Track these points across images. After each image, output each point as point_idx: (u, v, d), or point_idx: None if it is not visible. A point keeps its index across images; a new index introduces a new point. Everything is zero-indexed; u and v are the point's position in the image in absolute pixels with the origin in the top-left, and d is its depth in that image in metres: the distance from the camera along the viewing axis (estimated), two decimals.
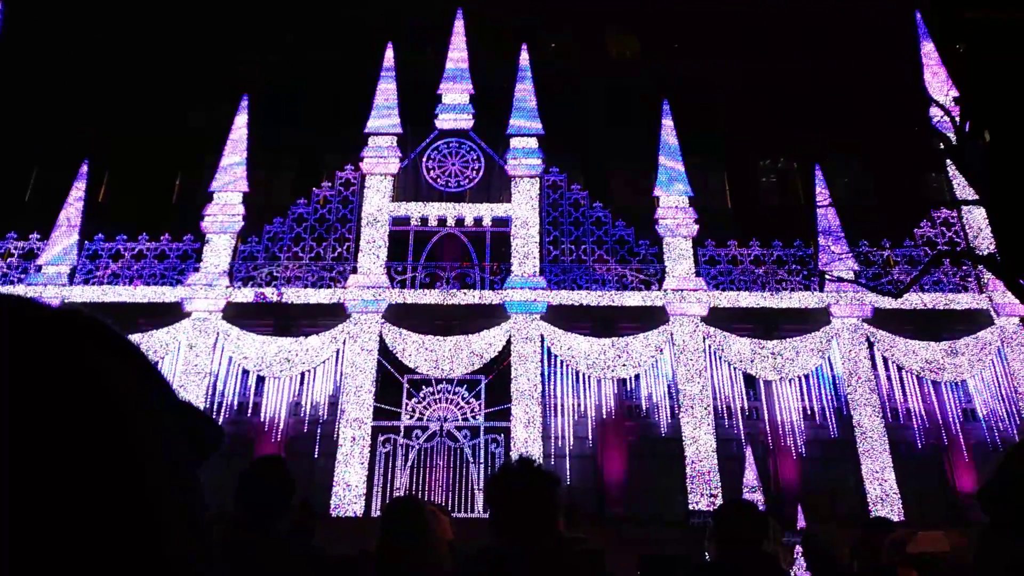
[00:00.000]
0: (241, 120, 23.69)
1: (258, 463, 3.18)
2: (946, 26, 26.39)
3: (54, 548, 0.35)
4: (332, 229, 22.28)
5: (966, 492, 20.16)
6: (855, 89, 24.16)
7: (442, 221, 22.44)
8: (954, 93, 22.42)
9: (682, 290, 21.29)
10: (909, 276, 18.91)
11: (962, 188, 21.96)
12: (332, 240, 22.11)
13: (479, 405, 20.26)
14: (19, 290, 20.76)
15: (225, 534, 2.77)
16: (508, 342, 20.70)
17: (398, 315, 21.08)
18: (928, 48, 25.28)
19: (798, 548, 13.79)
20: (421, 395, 20.37)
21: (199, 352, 20.32)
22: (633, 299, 21.24)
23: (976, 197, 15.49)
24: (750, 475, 17.88)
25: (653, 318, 21.15)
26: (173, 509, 0.41)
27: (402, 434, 20.04)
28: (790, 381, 20.56)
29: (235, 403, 20.36)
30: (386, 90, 24.34)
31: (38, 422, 0.37)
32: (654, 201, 22.74)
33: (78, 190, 22.68)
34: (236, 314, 20.91)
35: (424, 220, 22.49)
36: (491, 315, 21.09)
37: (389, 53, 25.05)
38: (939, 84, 23.78)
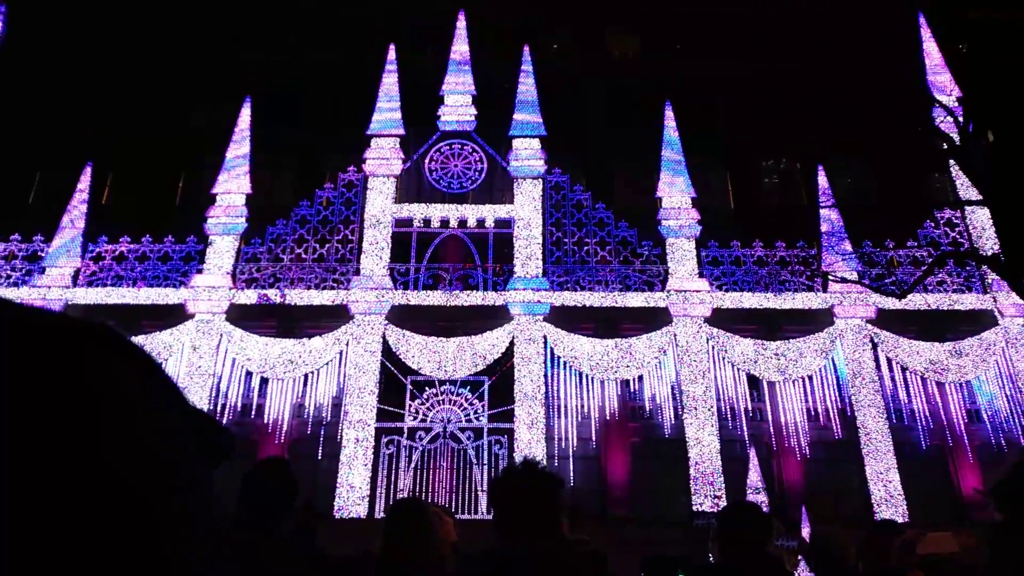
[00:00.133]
0: (244, 121, 23.73)
1: (261, 464, 3.18)
2: (948, 26, 26.35)
3: (53, 549, 0.35)
4: (335, 230, 22.30)
5: (970, 493, 20.11)
6: (857, 89, 24.16)
7: (445, 222, 22.45)
8: (957, 93, 22.41)
9: (685, 291, 21.27)
10: (913, 277, 18.87)
11: (966, 188, 21.93)
12: (335, 241, 22.13)
13: (482, 406, 20.26)
14: (23, 292, 20.81)
15: (228, 535, 2.77)
16: (511, 343, 20.69)
17: (401, 316, 21.09)
18: (931, 48, 25.23)
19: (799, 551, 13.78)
20: (424, 396, 20.37)
21: (202, 354, 20.34)
22: (636, 300, 21.22)
23: (980, 197, 15.46)
24: (754, 476, 17.85)
25: (656, 319, 21.13)
26: (175, 511, 0.41)
27: (405, 435, 20.04)
28: (794, 382, 20.53)
29: (238, 405, 20.38)
30: (388, 91, 24.36)
31: (37, 426, 0.37)
32: (657, 202, 22.73)
33: (81, 192, 22.73)
34: (239, 316, 20.94)
35: (427, 221, 22.50)
36: (494, 316, 21.09)
37: (391, 54, 25.07)
38: (942, 84, 23.74)
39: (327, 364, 20.52)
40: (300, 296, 21.12)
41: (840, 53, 25.49)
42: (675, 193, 22.71)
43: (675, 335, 20.80)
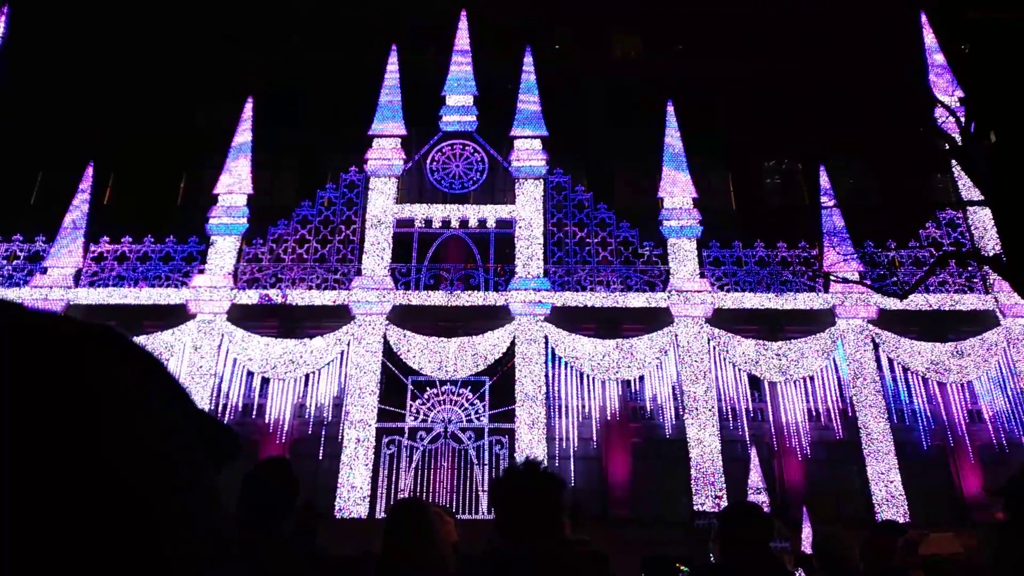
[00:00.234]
0: (245, 121, 23.75)
1: (262, 465, 3.18)
2: (950, 26, 26.33)
3: (53, 549, 0.35)
4: (336, 231, 22.31)
5: (972, 493, 20.10)
6: (859, 89, 24.15)
7: (446, 223, 22.46)
8: (959, 93, 22.39)
9: (687, 291, 21.26)
10: (914, 277, 18.87)
11: (967, 188, 21.91)
12: (336, 242, 22.14)
13: (483, 407, 20.26)
14: (25, 292, 20.83)
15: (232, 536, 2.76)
16: (512, 343, 20.69)
17: (402, 317, 21.10)
18: (932, 48, 25.21)
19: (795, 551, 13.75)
20: (425, 397, 20.37)
21: (204, 354, 20.36)
22: (637, 300, 21.21)
23: (981, 197, 15.43)
24: (755, 476, 17.84)
25: (657, 319, 21.13)
26: (176, 511, 0.42)
27: (406, 436, 20.04)
28: (795, 382, 20.52)
29: (240, 405, 20.40)
30: (390, 91, 24.38)
31: (37, 427, 0.37)
32: (658, 202, 22.72)
33: (83, 192, 22.75)
34: (241, 316, 20.95)
35: (428, 222, 22.51)
36: (495, 316, 21.09)
37: (392, 55, 25.08)
38: (944, 84, 23.73)
39: (328, 364, 20.53)
40: (301, 296, 21.13)
41: (842, 53, 25.48)
42: (676, 193, 22.71)
43: (676, 335, 20.80)
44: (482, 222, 22.47)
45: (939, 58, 24.98)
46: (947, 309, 21.03)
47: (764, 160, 26.57)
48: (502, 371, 20.48)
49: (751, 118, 25.72)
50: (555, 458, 19.29)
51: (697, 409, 19.93)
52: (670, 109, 23.99)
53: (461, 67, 24.99)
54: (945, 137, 16.09)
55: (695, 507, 18.84)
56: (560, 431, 20.03)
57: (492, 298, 21.28)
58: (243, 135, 23.52)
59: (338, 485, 19.08)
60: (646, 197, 23.24)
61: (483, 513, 18.46)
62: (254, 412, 20.38)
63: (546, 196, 22.82)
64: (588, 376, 20.51)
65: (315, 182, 23.60)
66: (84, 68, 25.81)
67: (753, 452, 18.51)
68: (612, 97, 26.79)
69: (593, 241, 22.08)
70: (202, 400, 19.48)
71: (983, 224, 21.80)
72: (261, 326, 21.05)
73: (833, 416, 20.09)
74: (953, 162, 21.64)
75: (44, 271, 21.48)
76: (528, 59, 25.14)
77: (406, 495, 18.35)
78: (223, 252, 21.79)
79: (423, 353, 20.48)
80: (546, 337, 20.79)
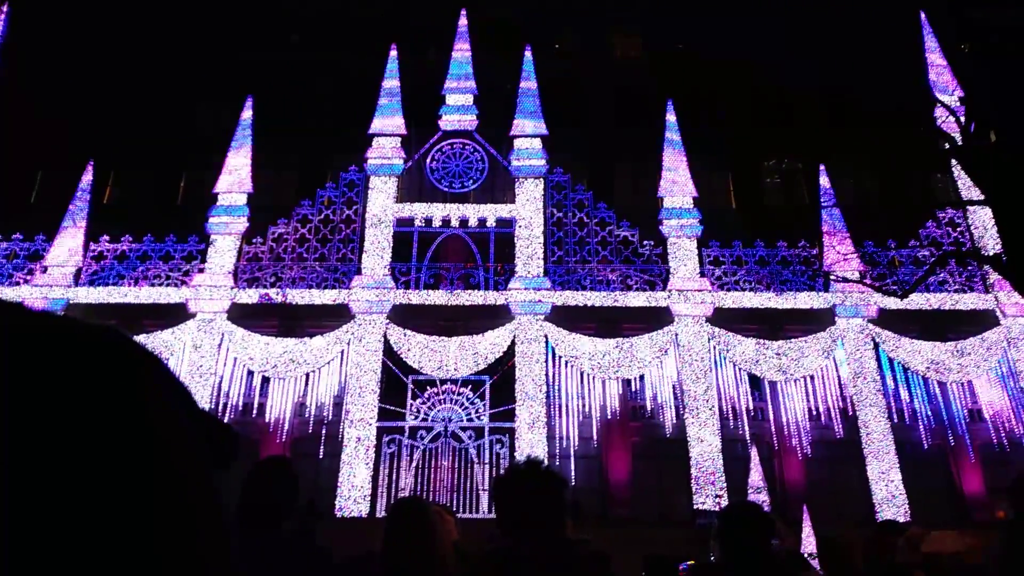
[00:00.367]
0: (246, 121, 23.75)
1: (263, 464, 3.18)
2: (951, 26, 26.32)
3: (67, 546, 0.36)
4: (336, 230, 22.31)
5: (972, 492, 20.11)
6: (860, 89, 24.11)
7: (446, 222, 22.46)
8: (959, 93, 22.38)
9: (687, 291, 21.27)
10: (914, 276, 18.86)
11: (967, 188, 21.90)
12: (336, 241, 22.14)
13: (484, 406, 20.26)
14: (25, 291, 20.83)
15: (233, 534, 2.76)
16: (512, 343, 20.69)
17: (403, 316, 21.10)
18: (933, 48, 25.20)
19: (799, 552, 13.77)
20: (426, 396, 20.38)
21: (204, 353, 20.36)
22: (638, 300, 21.21)
23: (982, 197, 15.44)
24: (755, 476, 17.83)
25: (658, 319, 21.13)
26: (186, 510, 0.42)
27: (407, 435, 20.04)
28: (795, 382, 20.53)
29: (240, 404, 20.40)
30: (390, 91, 24.37)
31: (49, 430, 0.38)
32: (658, 201, 22.72)
33: (83, 191, 22.75)
34: (241, 315, 20.95)
35: (428, 221, 22.51)
36: (495, 316, 21.09)
37: (392, 54, 25.08)
38: (944, 84, 23.72)
39: (328, 363, 20.52)
40: (301, 295, 21.13)
41: (842, 52, 25.46)
42: (677, 192, 22.71)
43: (676, 335, 20.80)
44: (482, 221, 22.47)
45: (939, 57, 24.97)
46: (947, 308, 21.03)
47: (764, 159, 26.57)
48: (502, 370, 20.49)
49: (751, 117, 25.73)
50: (555, 457, 19.30)
51: (697, 408, 19.93)
52: (670, 108, 23.99)
53: (461, 66, 24.98)
54: (945, 137, 16.09)
55: (695, 506, 18.84)
56: (560, 430, 20.03)
57: (492, 297, 21.28)
58: (243, 134, 23.51)
59: (338, 484, 19.09)
60: (646, 196, 23.24)
61: (483, 512, 18.48)
62: (254, 411, 20.38)
63: (546, 195, 22.82)
64: (588, 375, 20.51)
65: (315, 181, 23.59)
66: (84, 67, 25.80)
67: (753, 451, 18.50)
68: (612, 96, 26.79)
69: (593, 240, 22.08)
70: (202, 399, 19.48)
71: (983, 223, 21.79)
72: (261, 325, 21.05)
73: (833, 415, 20.09)
74: (953, 162, 21.64)
75: (44, 270, 21.49)
76: (528, 58, 25.14)
77: (406, 494, 18.36)
78: (223, 251, 21.79)
79: (423, 352, 20.48)
80: (546, 336, 20.79)
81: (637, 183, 24.54)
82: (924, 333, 20.94)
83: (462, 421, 20.18)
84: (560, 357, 20.68)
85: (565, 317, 21.03)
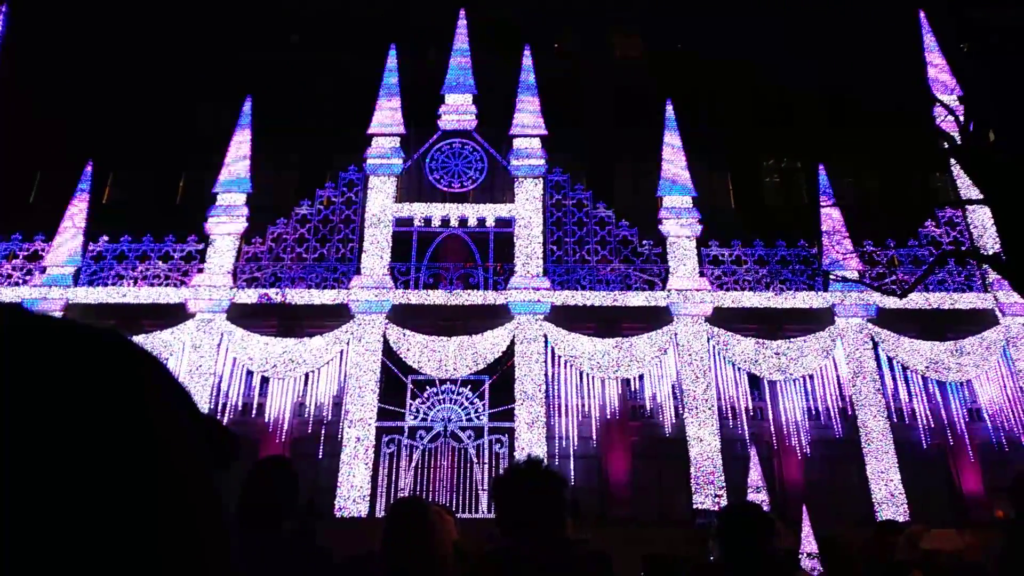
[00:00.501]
0: (245, 121, 23.74)
1: (262, 463, 3.18)
2: (950, 25, 26.33)
3: (55, 549, 0.36)
4: (336, 230, 22.30)
5: (971, 491, 20.12)
6: (859, 89, 24.13)
7: (445, 222, 22.45)
8: (958, 92, 22.39)
9: (686, 290, 21.27)
10: (914, 276, 18.86)
11: (967, 187, 21.92)
12: (336, 241, 22.14)
13: (483, 405, 20.26)
14: (23, 291, 20.83)
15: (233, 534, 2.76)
16: (512, 342, 20.69)
17: (402, 316, 21.10)
18: (932, 47, 25.21)
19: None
20: (425, 395, 20.38)
21: (203, 353, 20.35)
22: (637, 299, 21.22)
23: (980, 196, 15.44)
24: (755, 475, 17.84)
25: (657, 318, 21.13)
26: (189, 511, 0.43)
27: (406, 435, 20.04)
28: (794, 381, 20.53)
29: (239, 404, 20.40)
30: (389, 91, 24.36)
31: (55, 429, 0.38)
32: (658, 201, 22.72)
33: (82, 191, 22.74)
34: (240, 315, 20.94)
35: (427, 221, 22.50)
36: (495, 316, 21.09)
37: (392, 54, 25.08)
38: (943, 83, 23.73)
39: (328, 363, 20.52)
40: (301, 295, 21.13)
41: (842, 52, 25.47)
42: (676, 192, 22.71)
43: (676, 334, 20.80)
44: (481, 221, 22.47)
45: (938, 57, 24.98)
46: (946, 308, 21.04)
47: (764, 159, 26.58)
48: (502, 370, 20.49)
49: (751, 117, 25.74)
50: (555, 457, 19.30)
51: (697, 408, 19.93)
52: (669, 108, 23.99)
53: (460, 66, 24.98)
54: (944, 136, 16.10)
55: (695, 506, 18.84)
56: (560, 430, 20.03)
57: (491, 297, 21.28)
58: (242, 134, 23.50)
59: (338, 484, 19.08)
60: (646, 196, 23.24)
61: (483, 512, 18.48)
62: (254, 411, 20.39)
63: (545, 195, 22.82)
64: (588, 375, 20.51)
65: (315, 181, 23.59)
66: (83, 66, 25.79)
67: (753, 451, 18.51)
68: (612, 96, 26.79)
69: (592, 240, 22.08)
70: (202, 399, 19.49)
71: (982, 223, 21.81)
72: (260, 325, 21.04)
73: (833, 415, 20.10)
74: (952, 161, 21.65)
75: (43, 270, 21.47)
76: (527, 58, 25.13)
77: (406, 494, 18.35)
78: (222, 251, 21.79)
79: (423, 352, 20.48)
80: (545, 336, 20.79)
81: (637, 183, 24.55)
82: (923, 332, 20.95)
83: (461, 421, 20.18)
84: (559, 357, 20.69)
85: (564, 317, 21.03)
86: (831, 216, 22.08)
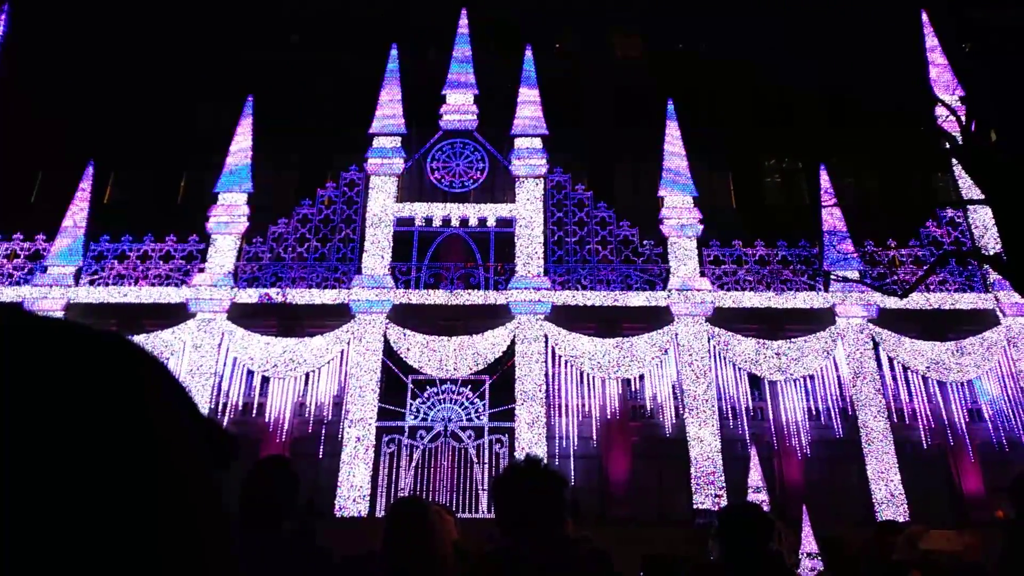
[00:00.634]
0: (246, 121, 23.75)
1: (263, 463, 3.18)
2: (951, 25, 26.32)
3: (56, 549, 0.37)
4: (336, 229, 22.31)
5: (971, 492, 20.11)
6: (860, 88, 24.13)
7: (446, 221, 22.46)
8: (959, 92, 22.38)
9: (687, 290, 21.27)
10: (915, 276, 18.87)
11: (968, 188, 21.91)
12: (336, 241, 22.15)
13: (483, 405, 20.26)
14: (25, 291, 20.84)
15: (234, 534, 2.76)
16: (512, 342, 20.70)
17: (402, 315, 21.10)
18: (934, 47, 25.20)
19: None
20: (425, 395, 20.38)
21: (204, 353, 20.36)
22: (638, 299, 21.22)
23: (982, 196, 15.44)
24: (755, 475, 17.84)
25: (658, 318, 21.13)
26: (181, 513, 0.43)
27: (406, 434, 20.05)
28: (795, 381, 20.53)
29: (240, 404, 20.41)
30: (390, 91, 24.37)
31: (56, 429, 0.39)
32: (659, 201, 22.72)
33: (83, 191, 22.75)
34: (241, 315, 20.95)
35: (428, 221, 22.51)
36: (495, 315, 21.09)
37: (393, 54, 25.09)
38: (945, 83, 23.73)
39: (328, 363, 20.53)
40: (301, 295, 21.13)
41: (842, 52, 25.47)
42: (677, 192, 22.70)
43: (676, 334, 20.80)
44: (482, 221, 22.47)
45: (939, 57, 24.97)
46: (947, 308, 21.04)
47: (764, 159, 26.58)
48: (502, 370, 20.49)
49: (751, 117, 25.73)
50: (555, 457, 19.30)
51: (697, 408, 19.93)
52: (670, 108, 23.98)
53: (461, 66, 24.98)
54: (946, 136, 16.10)
55: (695, 506, 18.85)
56: (560, 430, 20.04)
57: (492, 297, 21.29)
58: (243, 134, 23.51)
59: (338, 484, 19.09)
60: (646, 196, 23.25)
61: (483, 512, 18.48)
62: (254, 411, 20.39)
63: (546, 195, 22.82)
64: (588, 375, 20.51)
65: (315, 181, 23.60)
66: (84, 66, 25.80)
67: (753, 451, 18.50)
68: (612, 96, 26.79)
69: (593, 240, 22.08)
70: (202, 399, 19.50)
71: (983, 223, 21.80)
72: (261, 325, 21.05)
73: (833, 415, 20.09)
74: (953, 161, 21.64)
75: (44, 270, 21.49)
76: (528, 58, 25.14)
77: (406, 494, 18.36)
78: (223, 251, 21.80)
79: (423, 352, 20.48)
80: (546, 336, 20.79)
81: (637, 183, 24.55)
82: (924, 333, 20.94)
83: (462, 421, 20.19)
84: (560, 357, 20.68)
85: (565, 317, 21.03)
86: (832, 216, 22.07)
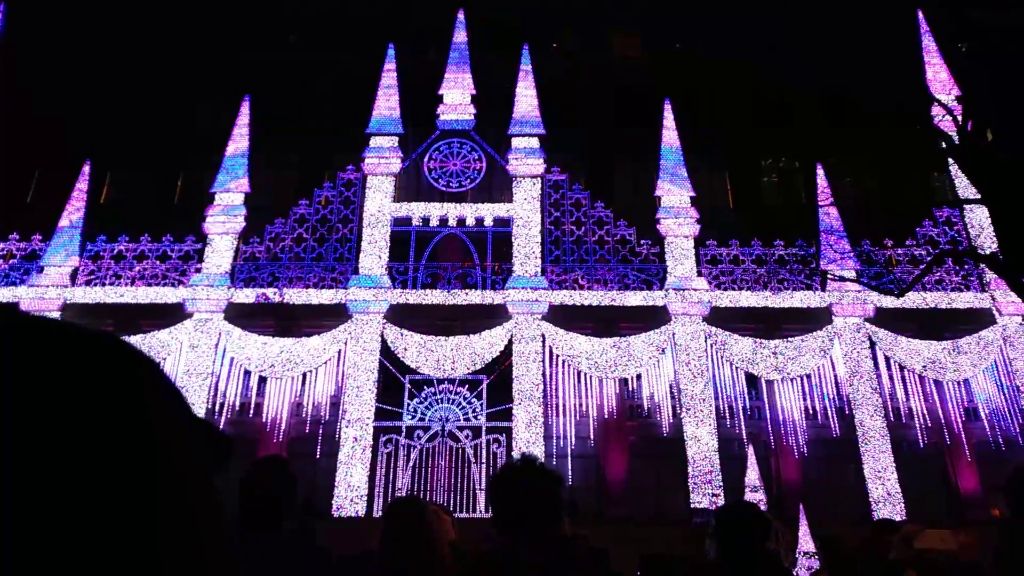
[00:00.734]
0: (243, 120, 23.73)
1: (260, 463, 3.18)
2: (948, 25, 26.36)
3: (56, 549, 0.37)
4: (334, 230, 22.29)
5: (968, 490, 20.15)
6: (858, 88, 24.15)
7: (443, 221, 22.45)
8: (956, 92, 22.42)
9: (684, 289, 21.29)
10: (911, 275, 18.88)
11: (964, 187, 21.95)
12: (334, 240, 22.13)
13: (481, 405, 20.26)
14: (21, 291, 20.80)
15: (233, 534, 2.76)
16: (510, 342, 20.70)
17: (400, 315, 21.10)
18: (930, 47, 25.25)
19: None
20: (423, 395, 20.37)
21: (201, 353, 20.34)
22: (635, 299, 21.23)
23: (978, 196, 15.47)
24: (752, 475, 17.86)
25: (655, 318, 21.14)
26: (181, 513, 0.43)
27: (404, 434, 20.04)
28: (792, 381, 20.55)
29: (237, 404, 20.38)
30: (388, 90, 24.36)
31: (57, 429, 0.39)
32: (656, 201, 22.73)
33: (80, 191, 22.71)
34: (238, 315, 20.93)
35: (426, 220, 22.50)
36: (493, 315, 21.10)
37: (391, 53, 25.08)
38: (941, 83, 23.77)
39: (325, 363, 20.52)
40: (298, 295, 21.12)
41: (841, 52, 25.48)
42: (674, 192, 22.72)
43: (673, 334, 20.82)
44: (479, 221, 22.47)
45: (936, 57, 25.01)
46: (944, 307, 21.08)
47: (762, 159, 26.60)
48: (499, 370, 20.49)
49: (749, 117, 25.75)
50: (552, 456, 19.31)
51: (694, 407, 19.95)
52: (668, 108, 24.00)
53: (459, 65, 24.97)
54: (942, 136, 16.13)
55: (692, 505, 18.86)
56: (557, 430, 20.04)
57: (489, 297, 21.29)
58: (240, 134, 23.49)
59: (336, 484, 19.08)
60: (644, 196, 23.26)
61: (480, 511, 18.48)
62: (251, 411, 20.38)
63: (543, 195, 22.82)
64: (585, 375, 20.52)
65: (313, 181, 23.58)
66: (82, 65, 25.74)
67: (750, 450, 18.52)
68: (611, 96, 26.80)
69: (590, 239, 22.08)
70: (199, 399, 19.49)
71: (980, 222, 21.85)
72: (258, 325, 21.03)
73: (830, 414, 20.12)
74: (950, 160, 21.69)
75: (41, 270, 21.44)
76: (526, 57, 25.14)
77: (404, 493, 18.36)
78: (220, 251, 21.77)
79: (420, 352, 20.48)
80: (543, 336, 20.80)
81: (636, 182, 24.57)
82: (920, 332, 20.98)
83: (459, 421, 20.18)
84: (557, 356, 20.69)
85: (562, 316, 21.03)
86: (829, 215, 22.10)
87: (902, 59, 24.63)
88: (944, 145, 16.06)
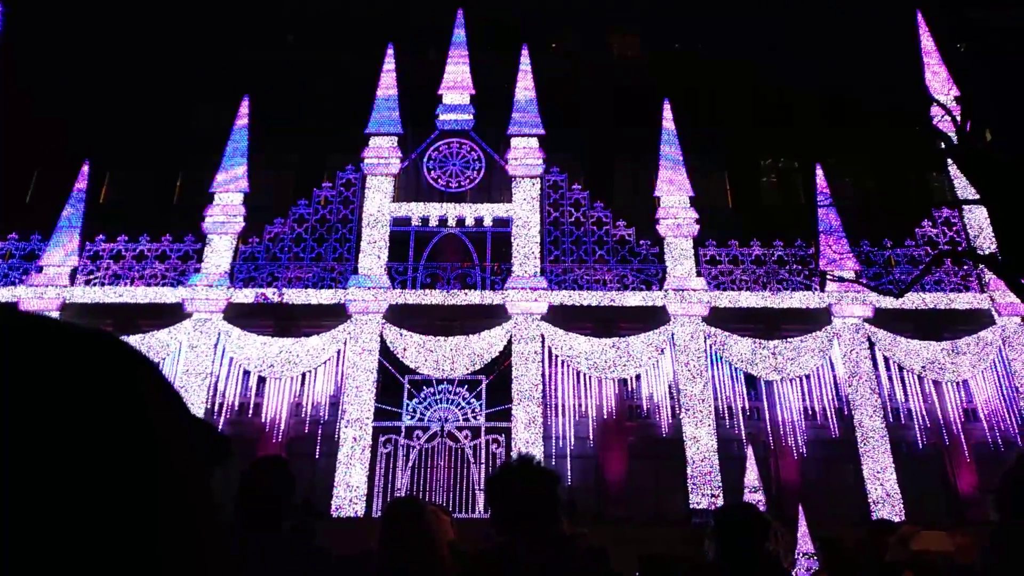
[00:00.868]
0: (242, 120, 23.72)
1: (259, 463, 3.18)
2: (947, 25, 26.38)
3: (56, 549, 0.37)
4: (333, 230, 22.29)
5: (967, 491, 20.15)
6: (857, 89, 24.17)
7: (443, 221, 22.45)
8: (955, 92, 22.43)
9: (683, 290, 21.29)
10: (910, 276, 18.88)
11: (963, 187, 21.96)
12: (333, 241, 22.13)
13: (480, 405, 20.26)
14: (20, 291, 20.78)
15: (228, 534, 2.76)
16: (509, 342, 20.70)
17: (399, 315, 21.09)
18: (929, 47, 25.26)
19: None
20: (422, 395, 20.37)
21: (200, 353, 20.33)
22: (634, 299, 21.23)
23: (977, 196, 15.48)
24: (751, 475, 17.86)
25: (654, 318, 21.14)
26: (180, 512, 0.43)
27: (403, 434, 20.03)
28: (791, 381, 20.55)
29: (236, 404, 20.38)
30: (387, 90, 24.36)
31: (57, 429, 0.39)
32: (655, 201, 22.74)
33: (79, 191, 22.70)
34: (237, 315, 20.92)
35: (425, 220, 22.50)
36: (492, 315, 21.09)
37: (390, 53, 25.08)
38: (940, 83, 23.78)
39: (325, 363, 20.51)
40: (298, 295, 21.11)
41: (840, 52, 25.50)
42: (673, 192, 22.72)
43: (673, 334, 20.82)
44: (479, 221, 22.47)
45: (935, 57, 25.02)
46: (943, 308, 21.08)
47: (761, 159, 26.61)
48: (499, 370, 20.48)
49: (748, 117, 25.77)
50: (551, 457, 19.30)
51: (693, 408, 19.95)
52: (667, 108, 24.00)
53: (458, 65, 24.97)
54: (941, 136, 16.14)
55: (691, 506, 18.86)
56: (556, 430, 20.04)
57: (489, 297, 21.29)
58: (240, 134, 23.48)
59: (335, 484, 19.07)
60: (643, 196, 23.27)
61: (479, 512, 18.46)
62: (251, 411, 20.38)
63: (543, 195, 22.82)
64: (584, 375, 20.52)
65: (312, 181, 23.58)
66: (81, 65, 25.74)
67: (749, 451, 18.52)
68: (611, 96, 26.80)
69: (590, 240, 22.08)
70: (199, 399, 19.49)
71: (979, 223, 21.86)
72: (257, 325, 21.03)
73: (829, 414, 20.13)
74: (949, 161, 21.69)
75: (39, 270, 21.43)
76: (525, 57, 25.13)
77: (403, 494, 18.36)
78: (219, 251, 21.76)
79: (420, 352, 20.47)
80: (542, 336, 20.79)
81: (636, 183, 24.59)
82: (919, 332, 20.98)
83: (458, 421, 20.18)
84: (556, 357, 20.69)
85: (561, 317, 21.03)
86: (828, 216, 22.11)
87: (901, 59, 24.64)
88: (943, 145, 16.07)
